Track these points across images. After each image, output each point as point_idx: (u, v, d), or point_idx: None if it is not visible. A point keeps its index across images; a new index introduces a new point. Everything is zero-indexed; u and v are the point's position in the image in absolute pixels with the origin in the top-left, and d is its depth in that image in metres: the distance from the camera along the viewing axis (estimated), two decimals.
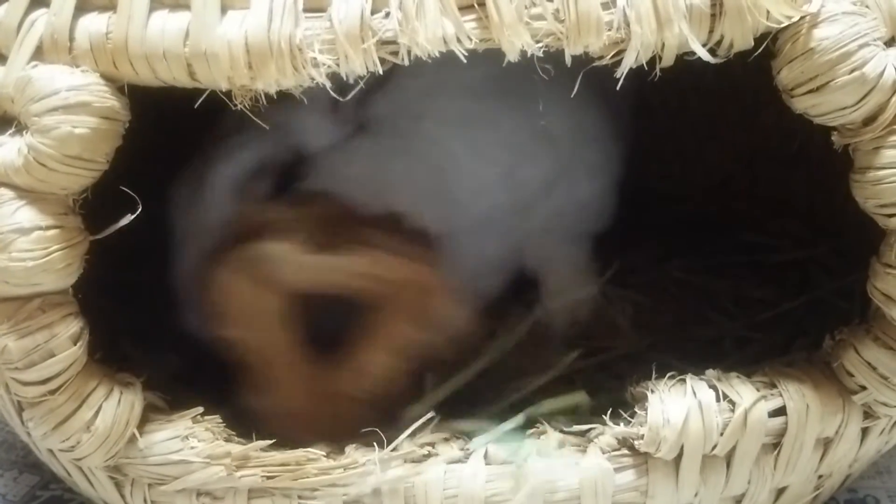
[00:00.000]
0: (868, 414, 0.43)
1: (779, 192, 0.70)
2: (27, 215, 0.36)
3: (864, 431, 0.44)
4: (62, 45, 0.38)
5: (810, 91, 0.38)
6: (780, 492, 0.44)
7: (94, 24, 0.38)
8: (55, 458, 0.45)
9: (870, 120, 0.39)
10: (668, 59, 0.37)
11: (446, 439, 0.43)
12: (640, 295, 0.64)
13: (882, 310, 0.40)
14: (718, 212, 0.72)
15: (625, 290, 0.63)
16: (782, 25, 0.38)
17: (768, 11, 0.37)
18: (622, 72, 0.37)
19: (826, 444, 0.43)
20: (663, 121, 0.73)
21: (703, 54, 0.37)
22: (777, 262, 0.65)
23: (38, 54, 0.39)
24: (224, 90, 0.37)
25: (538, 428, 0.43)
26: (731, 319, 0.61)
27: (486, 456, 0.42)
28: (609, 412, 0.42)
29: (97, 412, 0.38)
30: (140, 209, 0.37)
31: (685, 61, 0.38)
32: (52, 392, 0.37)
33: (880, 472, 0.54)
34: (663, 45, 0.36)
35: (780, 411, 0.41)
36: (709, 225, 0.70)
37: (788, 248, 0.66)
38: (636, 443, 0.41)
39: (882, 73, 0.38)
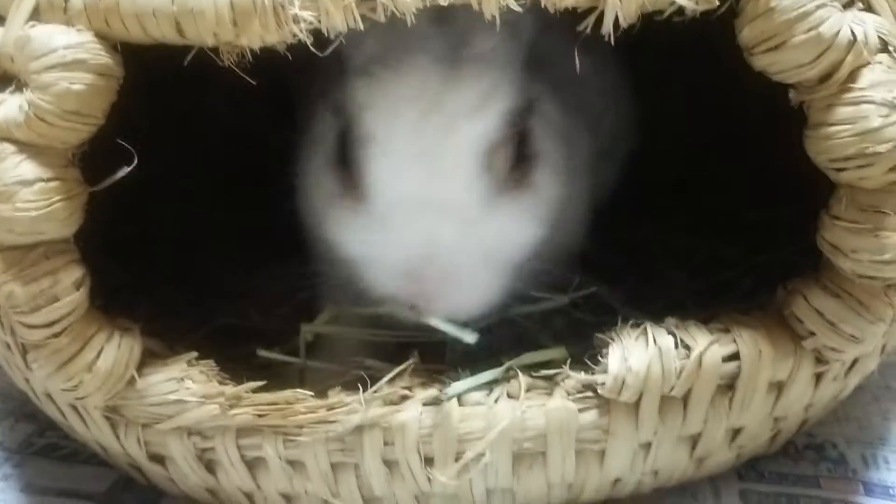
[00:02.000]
0: (820, 360, 0.48)
1: (751, 154, 0.74)
2: (29, 168, 0.40)
3: (818, 377, 0.49)
4: (58, 6, 0.42)
5: (769, 49, 0.43)
6: (737, 432, 0.49)
7: None
8: (52, 403, 0.50)
9: (825, 77, 0.43)
10: (631, 17, 0.41)
11: (424, 384, 0.47)
12: (616, 254, 0.68)
13: (830, 260, 0.45)
14: (695, 174, 0.76)
15: (604, 249, 0.68)
16: None
17: None
18: (605, 29, 0.41)
19: (779, 387, 0.48)
20: (644, 86, 0.77)
21: (685, 3, 0.41)
22: (747, 223, 0.69)
23: (35, 15, 0.43)
24: (210, 46, 0.41)
25: (509, 373, 0.47)
26: (699, 277, 0.65)
27: (459, 398, 0.46)
28: (573, 360, 0.47)
29: (98, 354, 0.43)
30: (136, 162, 0.41)
31: (659, 24, 0.42)
32: (56, 335, 0.42)
33: (839, 419, 0.59)
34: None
35: (735, 356, 0.46)
36: (680, 187, 0.75)
37: (759, 207, 0.70)
38: (599, 388, 0.45)
39: (838, 33, 0.42)
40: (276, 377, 0.48)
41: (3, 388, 0.62)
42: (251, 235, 0.69)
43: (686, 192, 0.76)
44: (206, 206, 0.73)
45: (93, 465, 0.55)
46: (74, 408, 0.48)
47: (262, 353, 0.52)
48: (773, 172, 0.72)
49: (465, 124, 0.46)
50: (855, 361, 0.51)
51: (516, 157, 0.49)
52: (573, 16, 0.42)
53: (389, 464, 0.46)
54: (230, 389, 0.45)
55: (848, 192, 0.44)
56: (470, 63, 0.47)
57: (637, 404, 0.46)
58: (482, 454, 0.45)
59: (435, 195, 0.46)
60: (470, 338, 0.46)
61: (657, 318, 0.48)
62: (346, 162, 0.49)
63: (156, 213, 0.67)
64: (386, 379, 0.46)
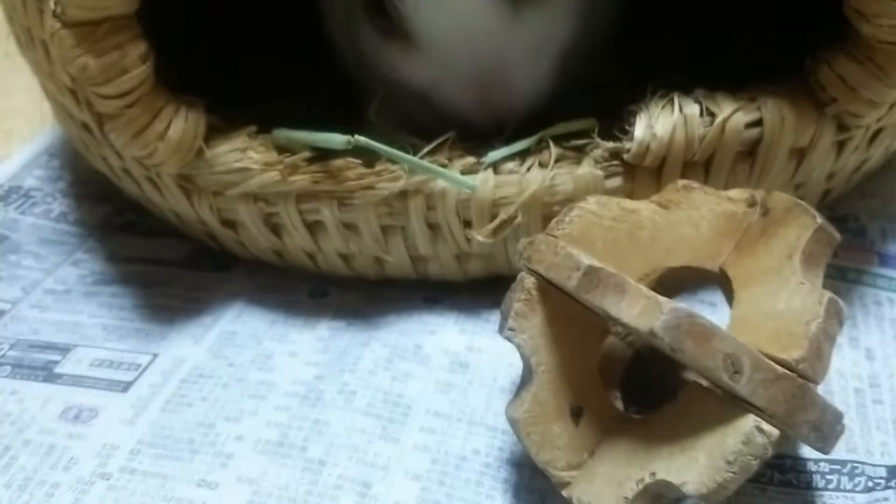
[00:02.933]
0: (841, 127, 0.51)
1: None
2: None
3: (840, 145, 0.53)
4: None
5: None
6: None
7: None
8: (130, 177, 0.56)
9: None
10: None
11: (461, 155, 0.52)
12: (654, 44, 0.70)
13: (854, 27, 0.47)
14: None
15: (635, 44, 0.70)
16: None
17: None
18: None
19: (801, 154, 0.52)
20: None
21: None
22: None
23: None
24: None
25: (541, 145, 0.52)
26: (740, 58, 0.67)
27: (495, 167, 0.51)
28: (604, 133, 0.51)
29: (168, 125, 0.49)
30: None
31: None
32: (129, 106, 0.47)
33: (864, 195, 0.63)
34: None
35: (758, 123, 0.50)
36: None
37: None
38: (624, 155, 0.50)
39: None
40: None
41: (79, 174, 0.70)
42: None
43: None
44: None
45: (170, 237, 0.62)
46: (150, 180, 0.54)
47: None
48: None
49: None
50: (878, 132, 0.54)
51: None
52: None
53: (432, 226, 0.52)
54: (288, 158, 0.51)
55: None
56: None
57: (660, 170, 0.50)
58: (514, 216, 0.51)
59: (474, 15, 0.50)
60: (471, 183, 0.50)
61: (688, 91, 0.51)
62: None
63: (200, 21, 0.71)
64: (426, 150, 0.51)
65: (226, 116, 0.53)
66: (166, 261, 0.61)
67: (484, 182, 0.51)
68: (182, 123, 0.49)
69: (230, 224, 0.55)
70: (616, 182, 0.51)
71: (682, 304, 0.35)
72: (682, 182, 0.44)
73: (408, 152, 0.51)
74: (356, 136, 0.49)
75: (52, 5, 0.45)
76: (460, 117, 0.53)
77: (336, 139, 0.50)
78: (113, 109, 0.48)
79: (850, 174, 0.57)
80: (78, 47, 0.45)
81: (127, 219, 0.66)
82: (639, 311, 0.35)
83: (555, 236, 0.41)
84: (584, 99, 0.63)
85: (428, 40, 0.51)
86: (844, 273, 0.57)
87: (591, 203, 0.42)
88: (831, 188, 0.58)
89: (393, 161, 0.51)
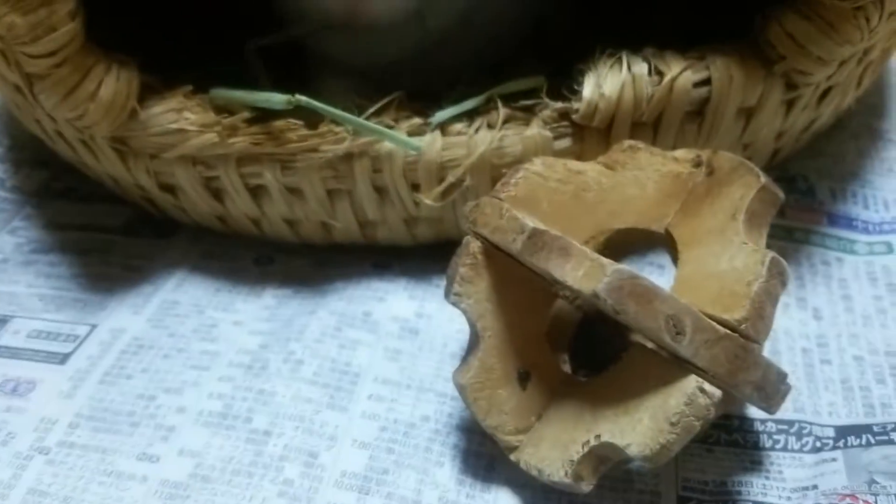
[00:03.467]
0: (791, 85, 0.51)
1: None
2: None
3: (789, 104, 0.53)
4: None
5: None
6: None
7: None
8: (63, 140, 0.55)
9: None
10: None
11: (408, 116, 0.51)
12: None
13: None
14: None
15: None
16: None
17: None
18: None
19: (749, 113, 0.52)
20: None
21: None
22: None
23: None
24: None
25: (489, 105, 0.51)
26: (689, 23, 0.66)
27: (442, 129, 0.51)
28: (553, 93, 0.51)
29: (99, 85, 0.47)
30: None
31: None
32: (58, 66, 0.45)
33: (814, 154, 0.63)
34: None
35: (706, 82, 0.50)
36: None
37: None
38: (573, 116, 0.49)
39: None
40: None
41: (16, 139, 0.68)
42: None
43: None
44: None
45: (109, 203, 0.60)
46: (84, 143, 0.52)
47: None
48: None
49: None
50: (828, 91, 0.54)
51: None
52: None
53: (379, 189, 0.51)
54: (227, 119, 0.49)
55: None
56: None
57: (608, 130, 0.50)
58: (463, 179, 0.50)
59: None
60: (417, 144, 0.49)
61: (637, 50, 0.51)
62: None
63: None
64: (372, 110, 0.50)
65: (161, 77, 0.52)
66: (106, 227, 0.59)
67: (431, 143, 0.50)
68: (114, 83, 0.47)
69: (169, 188, 0.53)
70: (565, 143, 0.50)
71: (626, 265, 0.35)
72: (627, 142, 0.44)
73: (353, 113, 0.50)
74: (297, 96, 0.48)
75: None
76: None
77: (276, 98, 0.48)
78: (42, 69, 0.46)
79: (800, 133, 0.58)
80: (4, 5, 0.43)
81: (65, 184, 0.64)
82: (582, 274, 0.35)
83: (500, 199, 0.41)
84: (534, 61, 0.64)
85: None
86: (792, 233, 0.58)
87: (537, 164, 0.42)
88: (780, 148, 0.58)
89: (337, 122, 0.50)
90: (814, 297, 0.54)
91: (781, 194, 0.41)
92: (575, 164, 0.42)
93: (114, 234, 0.59)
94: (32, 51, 0.45)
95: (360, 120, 0.49)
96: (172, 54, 0.64)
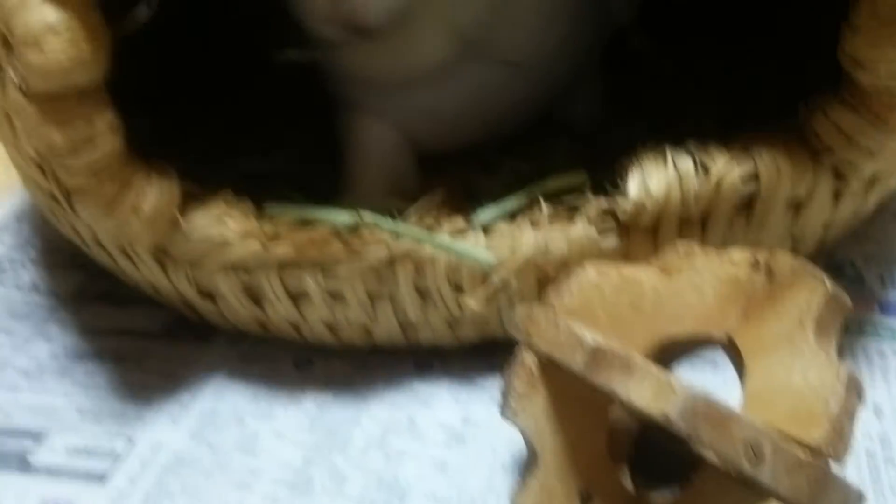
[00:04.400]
0: (838, 176, 0.50)
1: None
2: (53, 13, 0.42)
3: (837, 194, 0.51)
4: None
5: None
6: None
7: None
8: (102, 249, 0.54)
9: None
10: None
11: (450, 215, 0.50)
12: (639, 81, 0.69)
13: (850, 75, 0.46)
14: None
15: (623, 74, 0.69)
16: None
17: None
18: None
19: (797, 205, 0.50)
20: None
21: None
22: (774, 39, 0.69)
23: None
24: None
25: (533, 201, 0.50)
26: (724, 99, 0.66)
27: (484, 228, 0.49)
28: (596, 188, 0.50)
29: (141, 195, 0.46)
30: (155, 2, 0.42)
31: None
32: (98, 178, 0.45)
33: (858, 238, 0.61)
34: None
35: (753, 175, 0.48)
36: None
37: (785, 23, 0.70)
38: (619, 213, 0.48)
39: None
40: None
41: (52, 240, 0.67)
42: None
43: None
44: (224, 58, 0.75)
45: (146, 306, 0.59)
46: (124, 251, 0.51)
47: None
48: None
49: None
50: (874, 178, 0.53)
51: None
52: None
53: (422, 292, 0.50)
54: (269, 226, 0.48)
55: (868, 3, 0.44)
56: None
57: (656, 227, 0.48)
58: (508, 280, 0.48)
59: None
60: (487, 258, 0.47)
61: (678, 140, 0.50)
62: None
63: (172, 62, 0.69)
64: (413, 212, 0.49)
65: (198, 176, 0.51)
66: (142, 332, 0.58)
67: (474, 244, 0.49)
68: (155, 194, 0.47)
69: (209, 295, 0.52)
70: (611, 241, 0.49)
71: (692, 385, 0.33)
72: (682, 245, 0.42)
73: (394, 216, 0.49)
74: (361, 212, 0.47)
75: (13, 78, 0.43)
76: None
77: (340, 217, 0.47)
78: (81, 183, 0.45)
79: (847, 221, 0.56)
80: (43, 120, 0.43)
81: (100, 287, 0.63)
82: (651, 394, 0.33)
83: (554, 309, 0.39)
84: (567, 141, 0.63)
85: None
86: (845, 324, 0.56)
87: (591, 271, 0.40)
88: (827, 236, 0.56)
89: (381, 226, 0.49)
90: (872, 393, 0.51)
91: (849, 302, 0.39)
92: (629, 270, 0.41)
93: (151, 339, 0.57)
94: (72, 165, 0.44)
95: (428, 235, 0.48)
96: (206, 149, 0.65)
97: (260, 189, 0.56)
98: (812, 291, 0.39)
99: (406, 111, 0.57)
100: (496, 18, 0.54)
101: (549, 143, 0.64)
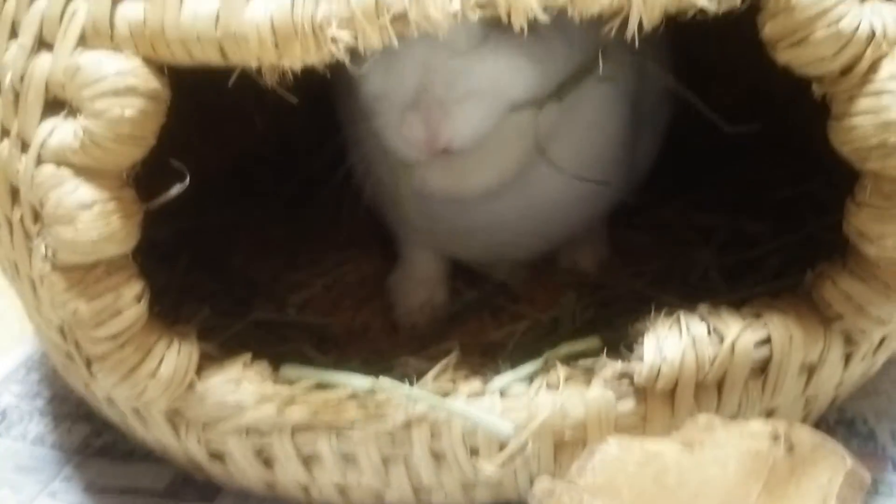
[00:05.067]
0: (849, 341, 0.50)
1: (775, 128, 0.75)
2: (87, 192, 0.43)
3: (847, 357, 0.51)
4: (104, 33, 0.45)
5: (792, 45, 0.45)
6: (770, 413, 0.52)
7: (131, 11, 0.44)
8: (114, 407, 0.53)
9: (846, 70, 0.45)
10: (655, 20, 0.43)
11: (466, 377, 0.50)
12: (641, 233, 0.71)
13: (856, 245, 0.47)
14: (717, 147, 0.78)
15: (627, 229, 0.70)
16: None
17: None
18: (629, 34, 0.43)
19: (810, 369, 0.50)
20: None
21: (708, 6, 0.43)
22: (773, 198, 0.71)
23: (82, 41, 0.45)
24: (254, 68, 0.44)
25: (548, 364, 0.50)
26: (726, 255, 0.67)
27: (501, 391, 0.49)
28: (609, 348, 0.50)
29: (160, 361, 0.46)
30: (188, 180, 0.44)
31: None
32: (121, 346, 0.45)
33: (868, 393, 0.61)
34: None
35: (766, 341, 0.49)
36: (706, 158, 0.76)
37: (784, 182, 0.72)
38: (635, 377, 0.48)
39: (857, 27, 0.44)
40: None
41: (57, 392, 0.66)
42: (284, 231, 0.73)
43: (706, 163, 0.78)
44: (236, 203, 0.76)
45: (150, 462, 0.58)
46: (136, 411, 0.51)
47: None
48: (797, 146, 0.74)
49: None
50: (883, 339, 0.53)
51: None
52: None
53: (437, 455, 0.49)
54: (285, 390, 0.48)
55: (873, 179, 0.46)
56: None
57: (673, 392, 0.48)
58: (525, 444, 0.48)
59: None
60: (506, 429, 0.47)
61: (688, 301, 0.50)
62: None
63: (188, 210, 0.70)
64: (431, 374, 0.49)
65: (214, 326, 0.51)
66: (146, 490, 0.57)
67: (490, 408, 0.48)
68: (174, 358, 0.47)
69: (218, 456, 0.51)
70: (628, 404, 0.48)
71: None
72: (703, 419, 0.42)
73: (411, 378, 0.49)
74: (380, 378, 0.46)
75: (42, 249, 0.43)
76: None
77: (358, 382, 0.47)
78: (103, 351, 0.45)
79: (857, 380, 0.56)
80: (69, 291, 0.43)
81: (105, 440, 0.62)
82: None
83: (578, 486, 0.38)
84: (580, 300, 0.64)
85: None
86: None
87: (613, 447, 0.40)
88: (838, 394, 0.56)
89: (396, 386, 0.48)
90: None
91: (868, 476, 0.39)
92: (652, 445, 0.40)
93: (155, 498, 0.56)
94: (95, 335, 0.44)
95: (450, 404, 0.47)
96: (223, 294, 0.65)
97: (276, 339, 0.56)
98: (833, 469, 0.39)
99: (463, 224, 0.61)
100: (565, 130, 0.57)
101: (559, 291, 0.65)
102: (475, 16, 0.43)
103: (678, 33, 0.48)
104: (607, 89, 0.58)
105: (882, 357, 0.55)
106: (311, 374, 0.49)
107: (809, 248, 0.65)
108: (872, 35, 0.44)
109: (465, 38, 0.50)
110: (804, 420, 0.56)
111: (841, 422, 0.59)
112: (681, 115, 0.71)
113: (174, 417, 0.50)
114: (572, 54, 0.55)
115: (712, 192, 0.75)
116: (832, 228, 0.64)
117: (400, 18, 0.42)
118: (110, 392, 0.47)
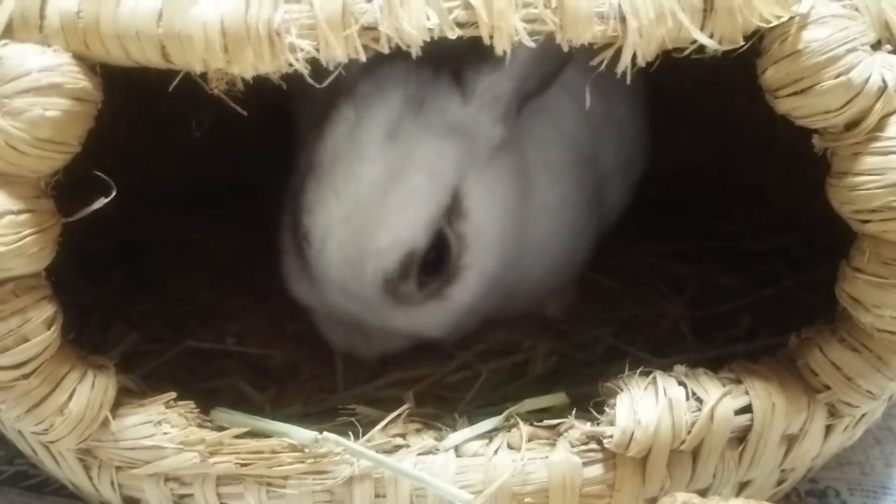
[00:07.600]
0: (833, 412, 0.45)
1: (749, 180, 0.71)
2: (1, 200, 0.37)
3: (828, 428, 0.47)
4: (32, 24, 0.38)
5: (795, 93, 0.40)
6: (744, 485, 0.47)
7: (64, 2, 0.38)
8: (23, 439, 0.46)
9: (852, 125, 0.40)
10: (651, 55, 0.38)
11: (419, 430, 0.44)
12: (611, 279, 0.66)
13: (849, 312, 0.42)
14: (688, 197, 0.74)
15: (596, 273, 0.65)
16: (771, 25, 0.39)
17: (759, 10, 0.38)
18: (622, 67, 0.38)
19: (790, 440, 0.45)
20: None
21: (708, 43, 0.38)
22: (745, 251, 0.67)
23: (8, 33, 0.39)
24: (199, 73, 0.38)
25: (510, 422, 0.45)
26: (697, 307, 0.63)
27: (457, 448, 0.43)
28: (577, 407, 0.44)
29: (71, 395, 0.40)
30: (114, 193, 0.37)
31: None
32: (26, 376, 0.38)
33: (841, 463, 0.56)
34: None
35: (747, 408, 0.44)
36: (679, 209, 0.72)
37: (757, 235, 0.68)
38: (605, 442, 0.43)
39: (868, 79, 0.39)
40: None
41: None
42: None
43: (678, 213, 0.74)
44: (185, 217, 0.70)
45: (63, 496, 0.51)
46: (46, 446, 0.44)
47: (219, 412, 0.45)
48: (770, 201, 0.70)
49: (372, 259, 0.49)
50: (865, 413, 0.49)
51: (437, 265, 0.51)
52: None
53: None
54: (211, 436, 0.42)
55: (872, 244, 0.41)
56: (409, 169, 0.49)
57: (644, 459, 0.43)
58: None
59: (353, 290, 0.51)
60: (463, 498, 0.42)
61: (656, 354, 0.45)
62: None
63: (130, 223, 0.64)
64: (379, 427, 0.43)
65: (145, 351, 0.45)
66: None
67: (443, 467, 0.42)
68: (87, 393, 0.40)
69: (133, 502, 0.44)
70: (596, 470, 0.43)
71: None
72: (681, 496, 0.37)
73: (357, 430, 0.43)
74: (325, 434, 0.40)
75: None
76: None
77: (300, 434, 0.41)
78: (7, 380, 0.39)
79: (835, 452, 0.51)
80: None
81: (17, 468, 0.55)
82: None
83: None
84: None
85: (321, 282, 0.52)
86: None
87: None
88: (814, 465, 0.51)
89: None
90: None
91: None
92: None
93: None
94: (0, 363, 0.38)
95: (401, 467, 0.42)
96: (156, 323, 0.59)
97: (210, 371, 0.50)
98: None
99: None
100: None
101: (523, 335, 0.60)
102: (454, 34, 0.37)
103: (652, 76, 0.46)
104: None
105: (861, 429, 0.51)
106: (245, 422, 0.42)
107: (782, 305, 0.62)
108: (883, 88, 0.39)
109: (380, 310, 0.51)
110: (776, 493, 0.51)
111: (812, 493, 0.54)
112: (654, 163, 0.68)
113: (86, 457, 0.43)
114: None
115: (684, 239, 0.71)
116: (807, 286, 0.62)
117: (369, 30, 0.37)
118: (14, 426, 0.41)
